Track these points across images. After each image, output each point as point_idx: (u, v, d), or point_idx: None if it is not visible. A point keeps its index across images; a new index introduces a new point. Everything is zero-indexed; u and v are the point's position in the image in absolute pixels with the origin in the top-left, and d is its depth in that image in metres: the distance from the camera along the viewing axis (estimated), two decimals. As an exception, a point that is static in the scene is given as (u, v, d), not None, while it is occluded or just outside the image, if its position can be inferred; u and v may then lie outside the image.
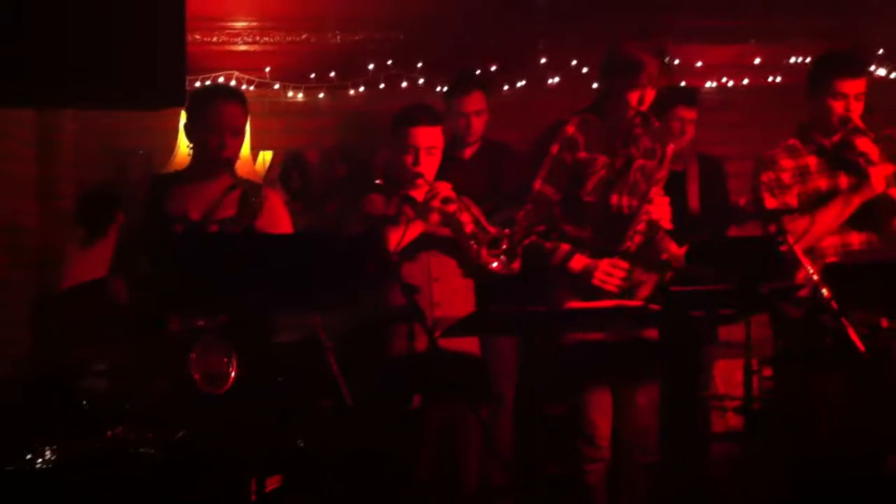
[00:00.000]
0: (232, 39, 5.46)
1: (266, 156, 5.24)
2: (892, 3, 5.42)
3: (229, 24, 5.43)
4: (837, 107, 3.48)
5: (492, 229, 3.28)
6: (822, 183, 3.55)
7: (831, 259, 3.45)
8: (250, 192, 3.22)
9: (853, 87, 3.48)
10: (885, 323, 3.13)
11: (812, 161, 3.57)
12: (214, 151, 3.14)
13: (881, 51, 5.64)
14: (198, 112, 3.17)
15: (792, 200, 3.52)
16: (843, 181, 3.53)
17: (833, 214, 3.46)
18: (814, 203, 3.51)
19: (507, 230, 3.28)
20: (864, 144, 3.48)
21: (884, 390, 3.37)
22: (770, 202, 3.51)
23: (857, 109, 3.49)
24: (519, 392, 4.26)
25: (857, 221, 3.49)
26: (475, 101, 4.36)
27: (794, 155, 3.58)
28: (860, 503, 3.33)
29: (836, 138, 3.55)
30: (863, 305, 3.09)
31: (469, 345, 3.41)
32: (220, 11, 5.29)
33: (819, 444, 3.42)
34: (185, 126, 3.24)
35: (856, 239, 3.52)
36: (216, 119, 3.14)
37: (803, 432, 3.45)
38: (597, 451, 3.39)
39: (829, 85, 3.49)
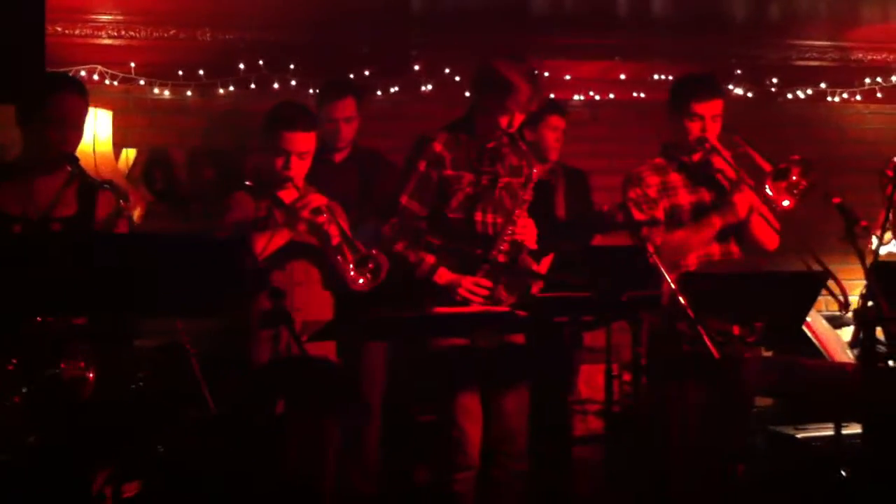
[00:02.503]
0: (96, 32, 5.27)
1: (129, 153, 5.08)
2: (751, 25, 5.69)
3: (93, 16, 5.23)
4: (694, 128, 3.61)
5: (360, 246, 3.27)
6: (685, 198, 3.67)
7: (692, 269, 3.58)
8: (89, 184, 3.06)
9: (709, 108, 3.61)
10: (736, 330, 3.25)
11: (675, 178, 3.69)
12: (55, 145, 2.99)
13: (739, 71, 5.90)
14: (36, 102, 2.99)
15: (659, 214, 3.64)
16: (705, 195, 3.67)
17: (693, 233, 3.59)
18: (678, 215, 3.64)
19: (374, 250, 3.27)
20: (720, 163, 3.63)
21: (735, 396, 3.52)
22: (639, 216, 3.62)
23: (713, 129, 3.62)
24: (387, 398, 4.25)
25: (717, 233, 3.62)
26: (346, 108, 4.34)
27: (659, 172, 3.70)
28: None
29: (696, 157, 3.69)
30: (717, 314, 3.21)
31: (327, 351, 3.38)
32: (84, 3, 5.11)
33: (673, 450, 3.53)
34: (20, 115, 3.04)
35: (717, 249, 3.65)
36: (57, 111, 2.99)
37: (659, 438, 3.56)
38: (465, 458, 3.38)
39: (687, 106, 3.61)
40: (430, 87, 5.60)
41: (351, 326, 3.30)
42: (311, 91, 5.19)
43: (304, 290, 3.37)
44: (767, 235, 3.67)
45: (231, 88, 5.40)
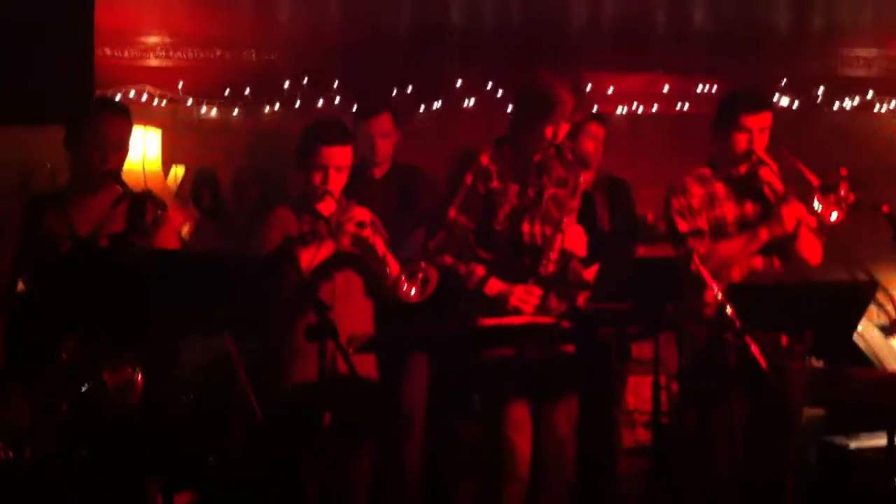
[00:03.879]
0: (144, 54, 5.38)
1: (178, 171, 5.17)
2: (795, 36, 5.65)
3: (141, 38, 5.35)
4: (741, 139, 3.61)
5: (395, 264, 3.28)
6: (730, 209, 3.66)
7: (736, 280, 3.55)
8: (139, 203, 3.13)
9: (757, 121, 3.61)
10: (784, 341, 3.22)
11: (720, 188, 3.68)
12: (96, 165, 3.08)
13: (784, 81, 5.85)
14: (78, 124, 3.12)
15: (702, 224, 3.63)
16: (749, 208, 3.65)
17: (741, 245, 3.57)
18: (722, 227, 3.62)
19: (422, 261, 3.28)
20: (767, 175, 3.61)
21: (784, 407, 3.48)
22: (682, 226, 3.61)
23: (761, 142, 3.61)
24: (432, 410, 4.24)
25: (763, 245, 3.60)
26: (383, 123, 4.34)
27: (703, 183, 3.69)
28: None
29: (742, 169, 3.67)
30: (765, 324, 3.18)
31: (367, 363, 3.37)
32: (132, 26, 5.22)
33: (721, 462, 3.50)
34: (66, 138, 3.16)
35: (759, 262, 3.63)
36: (98, 132, 3.09)
37: (707, 450, 3.53)
38: (515, 470, 3.36)
39: (735, 119, 3.61)
40: (472, 102, 5.62)
41: (396, 339, 3.31)
42: (355, 108, 5.24)
43: (346, 301, 3.36)
44: (812, 250, 3.64)
45: (276, 107, 5.48)
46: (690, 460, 3.59)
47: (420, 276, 3.25)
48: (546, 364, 3.42)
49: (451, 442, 4.33)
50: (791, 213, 3.54)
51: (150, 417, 2.91)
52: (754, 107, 3.62)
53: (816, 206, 3.46)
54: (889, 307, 3.26)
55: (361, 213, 3.33)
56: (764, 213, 3.62)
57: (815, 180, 3.48)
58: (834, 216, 3.46)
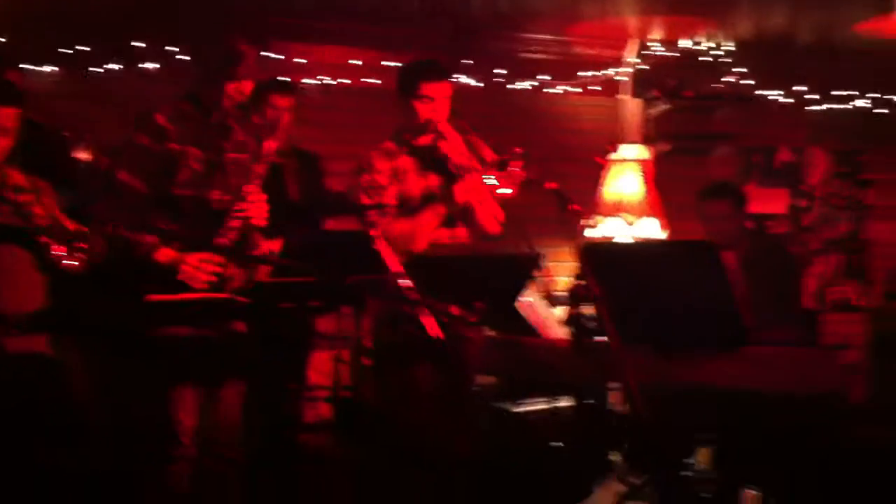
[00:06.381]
0: None
1: None
2: (482, 18, 5.87)
3: None
4: (423, 109, 3.69)
5: (70, 225, 3.06)
6: (415, 183, 3.73)
7: (419, 252, 3.64)
8: None
9: (438, 90, 3.71)
10: (455, 311, 3.33)
11: (406, 162, 3.74)
12: None
13: (471, 62, 6.07)
14: None
15: (390, 201, 3.67)
16: (434, 180, 3.75)
17: (424, 224, 3.68)
18: (408, 201, 3.68)
19: (86, 228, 3.07)
20: (447, 148, 3.71)
21: (459, 376, 3.62)
22: (366, 202, 3.63)
23: (443, 111, 3.71)
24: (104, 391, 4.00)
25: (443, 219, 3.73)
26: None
27: (389, 157, 3.73)
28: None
29: (426, 140, 3.75)
30: (439, 296, 3.27)
31: (40, 344, 3.17)
32: None
33: (405, 431, 3.58)
34: None
35: (445, 233, 3.75)
36: None
37: (392, 422, 3.60)
38: (181, 448, 3.27)
39: (416, 88, 3.69)
40: (156, 65, 5.38)
41: (59, 318, 3.10)
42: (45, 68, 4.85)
43: (12, 278, 3.12)
44: (489, 221, 3.82)
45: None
46: (372, 432, 3.64)
47: (82, 244, 3.03)
48: (217, 342, 3.32)
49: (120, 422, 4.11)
50: (462, 189, 3.68)
51: None
52: (434, 76, 3.71)
53: (491, 180, 3.60)
54: (547, 280, 3.47)
55: (18, 176, 3.06)
56: (447, 184, 3.72)
57: (490, 156, 3.62)
58: (508, 191, 3.63)
